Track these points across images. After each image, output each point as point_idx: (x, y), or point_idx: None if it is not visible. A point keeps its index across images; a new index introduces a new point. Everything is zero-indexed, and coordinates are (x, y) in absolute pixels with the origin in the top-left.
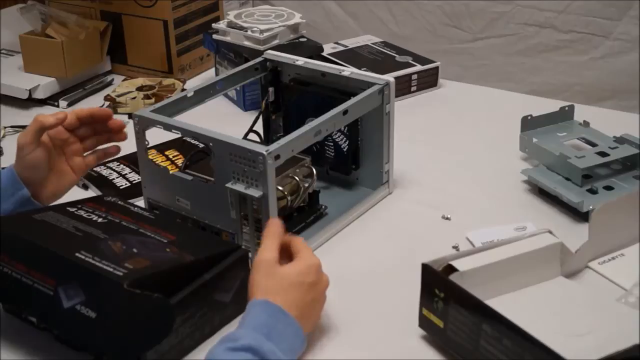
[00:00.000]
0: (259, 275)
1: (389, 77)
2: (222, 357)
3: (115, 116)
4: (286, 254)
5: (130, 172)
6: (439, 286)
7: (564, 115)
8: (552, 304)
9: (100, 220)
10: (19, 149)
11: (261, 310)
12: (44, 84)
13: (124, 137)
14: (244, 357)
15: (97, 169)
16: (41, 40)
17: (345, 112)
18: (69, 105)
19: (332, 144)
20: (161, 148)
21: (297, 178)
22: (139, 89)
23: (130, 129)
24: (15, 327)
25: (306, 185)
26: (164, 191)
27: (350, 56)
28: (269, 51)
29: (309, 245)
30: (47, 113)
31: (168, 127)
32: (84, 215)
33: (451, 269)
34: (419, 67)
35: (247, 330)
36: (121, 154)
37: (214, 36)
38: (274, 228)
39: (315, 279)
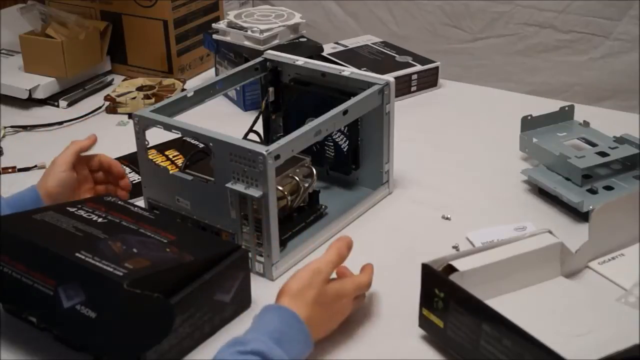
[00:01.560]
0: (303, 274)
1: (389, 77)
2: (230, 359)
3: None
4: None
5: (130, 172)
6: (439, 286)
7: (564, 115)
8: (552, 304)
9: (100, 220)
10: (54, 166)
11: (275, 316)
12: (44, 84)
13: (125, 196)
14: None
15: None
16: (41, 40)
17: (345, 112)
18: (69, 105)
19: (332, 144)
20: (161, 148)
21: (297, 178)
22: (139, 89)
23: (130, 129)
24: (15, 327)
25: (306, 185)
26: (164, 191)
27: (350, 56)
28: (269, 51)
29: (310, 246)
30: (46, 110)
31: (168, 127)
32: (84, 215)
33: (451, 269)
34: (419, 67)
35: (258, 335)
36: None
37: (214, 36)
38: (342, 244)
39: (345, 306)
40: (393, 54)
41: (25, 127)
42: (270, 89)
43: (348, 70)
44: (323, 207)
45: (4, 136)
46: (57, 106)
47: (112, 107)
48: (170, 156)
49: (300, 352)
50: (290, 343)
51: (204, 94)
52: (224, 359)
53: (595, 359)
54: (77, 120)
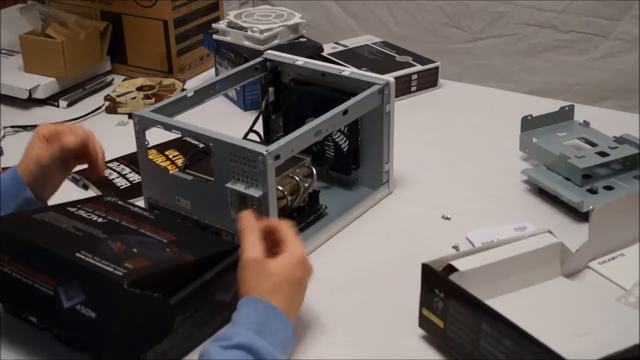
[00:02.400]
0: (248, 274)
1: (389, 77)
2: (215, 356)
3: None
4: (272, 240)
5: (130, 172)
6: (439, 286)
7: (564, 115)
8: (552, 304)
9: (100, 220)
10: (36, 161)
11: (251, 308)
12: (44, 84)
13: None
14: (237, 354)
15: None
16: (41, 40)
17: (345, 112)
18: (69, 105)
19: (332, 144)
20: (161, 148)
21: (297, 178)
22: (139, 89)
23: (130, 129)
24: (15, 327)
25: (306, 185)
26: (164, 191)
27: (350, 56)
28: (269, 51)
29: (309, 246)
30: (46, 110)
31: (168, 127)
32: (84, 215)
33: (451, 269)
34: (419, 67)
35: (238, 328)
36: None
37: (214, 36)
38: (248, 221)
39: (303, 273)
40: (393, 54)
41: (25, 127)
42: (270, 89)
43: (348, 70)
44: (323, 207)
45: (4, 136)
46: (57, 106)
47: (112, 107)
48: (170, 156)
49: (284, 340)
50: (272, 332)
51: (204, 94)
52: (210, 357)
53: (595, 359)
54: (77, 120)
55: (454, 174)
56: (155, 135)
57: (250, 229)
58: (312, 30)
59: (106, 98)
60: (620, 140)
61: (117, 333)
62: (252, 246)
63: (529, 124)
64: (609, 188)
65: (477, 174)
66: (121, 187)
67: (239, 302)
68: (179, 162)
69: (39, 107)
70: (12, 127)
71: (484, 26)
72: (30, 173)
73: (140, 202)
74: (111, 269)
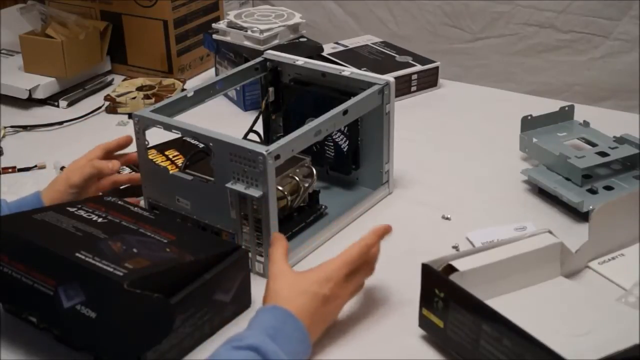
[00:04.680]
0: (271, 283)
1: (389, 77)
2: (225, 355)
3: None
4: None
5: (130, 172)
6: (439, 286)
7: (564, 115)
8: (552, 304)
9: (100, 220)
10: (67, 184)
11: (270, 314)
12: (44, 84)
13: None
14: (247, 355)
15: None
16: (41, 40)
17: (345, 112)
18: (69, 105)
19: (332, 144)
20: (161, 148)
21: (297, 178)
22: (139, 89)
23: (130, 129)
24: (15, 327)
25: (306, 185)
26: (164, 191)
27: (350, 56)
28: (269, 51)
29: (310, 246)
30: (46, 110)
31: (168, 127)
32: (84, 215)
33: (451, 269)
34: (419, 67)
35: (253, 331)
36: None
37: (214, 36)
38: (276, 237)
39: (331, 293)
40: (393, 54)
41: (25, 127)
42: (270, 89)
43: (348, 70)
44: (323, 207)
45: (4, 136)
46: (57, 106)
47: (112, 107)
48: (170, 156)
49: (297, 350)
50: (285, 339)
51: (204, 94)
52: (220, 357)
53: (595, 359)
54: (77, 120)
55: (454, 174)
56: (155, 135)
57: (275, 244)
58: (312, 30)
59: (106, 98)
60: (620, 140)
61: (117, 333)
62: (276, 258)
63: (529, 124)
64: (609, 188)
65: (477, 174)
66: (121, 187)
67: (258, 309)
68: (179, 162)
69: (39, 107)
70: (12, 127)
71: (484, 26)
72: (60, 195)
73: (140, 202)
74: (111, 269)
